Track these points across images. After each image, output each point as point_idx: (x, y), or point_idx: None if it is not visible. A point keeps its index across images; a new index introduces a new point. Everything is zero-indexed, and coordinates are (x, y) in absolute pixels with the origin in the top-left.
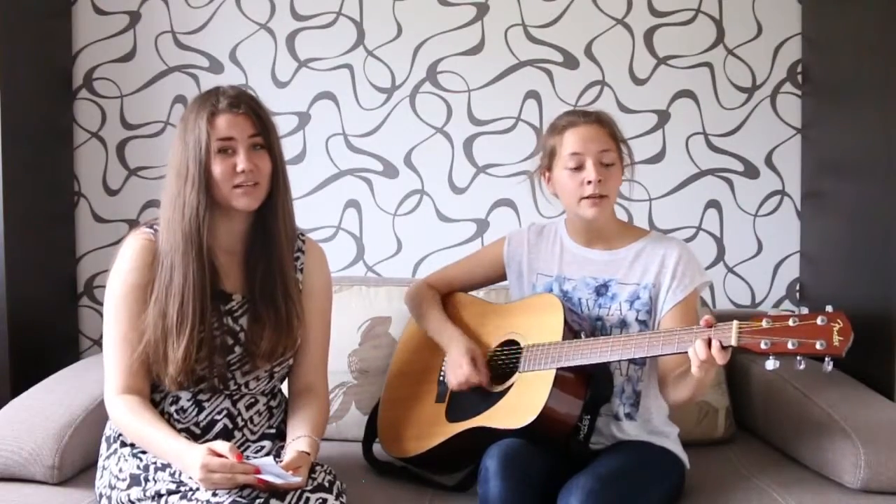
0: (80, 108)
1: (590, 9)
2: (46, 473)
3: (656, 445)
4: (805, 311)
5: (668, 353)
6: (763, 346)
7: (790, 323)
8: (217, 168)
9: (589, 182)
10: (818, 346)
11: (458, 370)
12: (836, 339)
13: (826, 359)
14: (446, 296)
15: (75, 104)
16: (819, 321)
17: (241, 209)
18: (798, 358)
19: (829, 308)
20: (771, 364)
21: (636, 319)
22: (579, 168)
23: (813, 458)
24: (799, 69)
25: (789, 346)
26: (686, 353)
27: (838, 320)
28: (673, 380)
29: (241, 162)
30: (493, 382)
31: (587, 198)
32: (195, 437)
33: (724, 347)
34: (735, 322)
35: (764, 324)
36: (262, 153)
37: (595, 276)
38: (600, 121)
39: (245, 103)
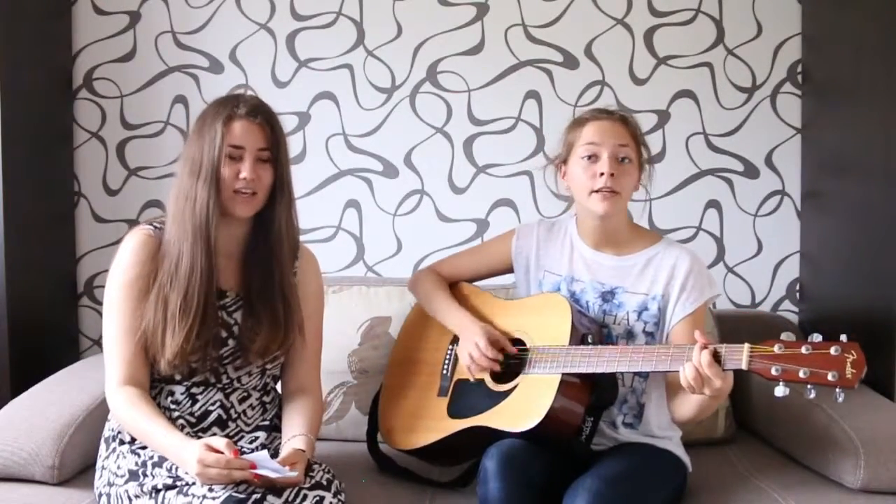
0: (80, 108)
1: (590, 9)
2: (46, 473)
3: (658, 448)
4: (819, 338)
5: (674, 370)
6: (774, 373)
7: (803, 350)
8: (224, 170)
9: (601, 174)
10: (830, 378)
11: (472, 344)
12: (849, 371)
13: (837, 389)
14: (452, 286)
15: (75, 104)
16: (833, 351)
17: (235, 215)
18: (808, 386)
19: (843, 338)
20: (780, 391)
21: (643, 331)
22: (594, 159)
23: (813, 458)
24: (799, 69)
25: (801, 374)
26: None
27: (852, 351)
28: (680, 396)
29: (244, 170)
30: (496, 381)
31: (598, 191)
32: (191, 427)
33: (725, 369)
34: (746, 345)
35: (776, 349)
36: (267, 166)
37: (602, 282)
38: (624, 119)
39: (262, 114)
